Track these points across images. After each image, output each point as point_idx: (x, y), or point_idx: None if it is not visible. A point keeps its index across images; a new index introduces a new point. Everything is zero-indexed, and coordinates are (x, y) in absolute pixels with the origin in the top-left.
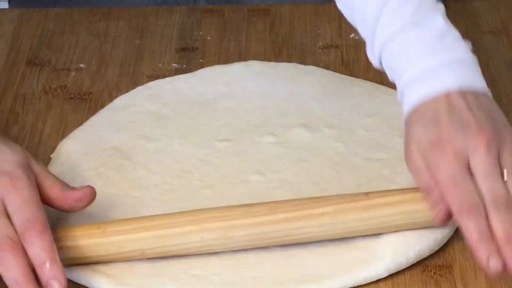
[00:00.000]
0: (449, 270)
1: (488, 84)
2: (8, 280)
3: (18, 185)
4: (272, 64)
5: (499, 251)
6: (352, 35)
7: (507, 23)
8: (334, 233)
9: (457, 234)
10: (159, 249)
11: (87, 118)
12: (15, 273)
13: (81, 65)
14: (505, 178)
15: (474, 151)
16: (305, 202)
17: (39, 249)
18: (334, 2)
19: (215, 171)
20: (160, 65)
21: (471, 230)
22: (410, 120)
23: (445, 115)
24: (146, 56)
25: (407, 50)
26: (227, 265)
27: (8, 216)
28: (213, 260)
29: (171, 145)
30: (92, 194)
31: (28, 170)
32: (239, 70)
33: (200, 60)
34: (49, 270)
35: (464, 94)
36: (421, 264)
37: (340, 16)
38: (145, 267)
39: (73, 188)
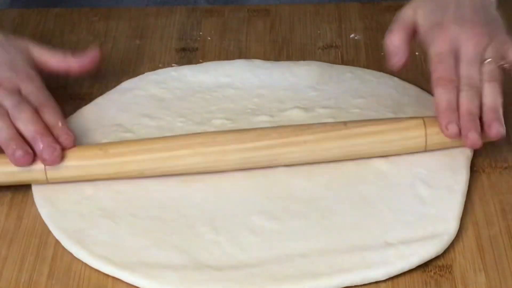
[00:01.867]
0: (449, 270)
1: None
2: (28, 136)
3: (31, 77)
4: (273, 62)
5: (458, 121)
6: (352, 35)
7: (507, 23)
8: (315, 158)
9: (457, 235)
10: (155, 170)
11: None
12: (33, 128)
13: None
14: (486, 61)
15: (464, 41)
16: (289, 130)
17: (53, 115)
18: (334, 2)
19: None
20: (160, 65)
21: (442, 98)
22: None
23: (452, 8)
24: (146, 56)
25: None
26: (224, 262)
27: (24, 98)
28: (211, 256)
29: (172, 123)
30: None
31: (36, 67)
32: (241, 64)
33: (200, 60)
34: (61, 128)
35: None
36: (421, 264)
37: (340, 16)
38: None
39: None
